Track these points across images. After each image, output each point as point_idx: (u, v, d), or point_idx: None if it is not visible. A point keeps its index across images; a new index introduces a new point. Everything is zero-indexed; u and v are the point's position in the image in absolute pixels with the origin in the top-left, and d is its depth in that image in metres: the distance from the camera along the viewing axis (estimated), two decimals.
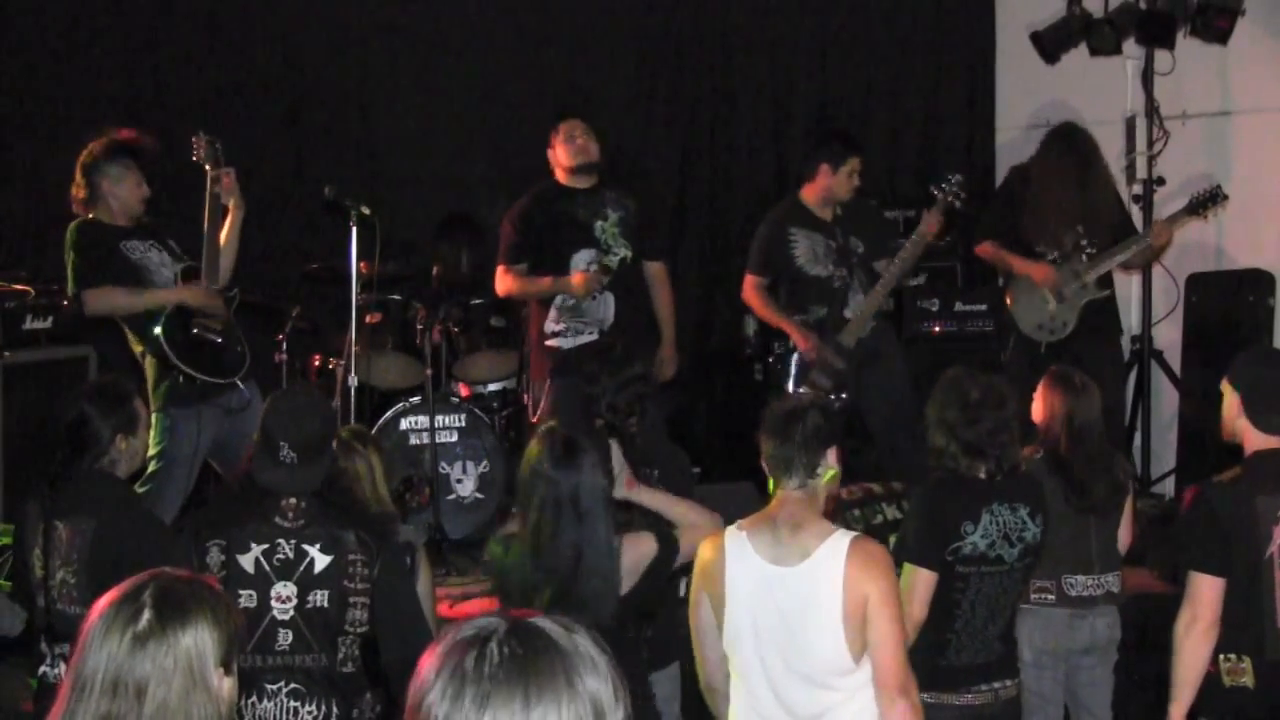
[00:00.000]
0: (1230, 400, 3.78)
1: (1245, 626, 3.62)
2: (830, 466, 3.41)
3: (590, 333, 5.90)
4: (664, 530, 3.72)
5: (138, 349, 5.48)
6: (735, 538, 3.42)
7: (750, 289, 6.26)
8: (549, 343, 5.93)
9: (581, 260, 5.91)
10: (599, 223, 5.96)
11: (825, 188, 6.18)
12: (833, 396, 6.01)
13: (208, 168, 5.52)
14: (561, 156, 5.99)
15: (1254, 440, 3.71)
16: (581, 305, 5.92)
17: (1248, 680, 3.63)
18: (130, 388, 4.15)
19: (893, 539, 4.39)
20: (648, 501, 3.79)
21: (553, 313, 5.93)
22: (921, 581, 3.80)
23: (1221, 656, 3.65)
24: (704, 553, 3.48)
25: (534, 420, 5.89)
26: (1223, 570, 3.62)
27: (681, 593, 4.91)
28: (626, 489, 3.73)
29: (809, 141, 8.14)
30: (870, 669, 3.31)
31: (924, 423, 4.02)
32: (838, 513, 3.65)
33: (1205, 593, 3.62)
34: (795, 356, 6.11)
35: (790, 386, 6.10)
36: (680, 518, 3.78)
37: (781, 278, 6.23)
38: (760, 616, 3.36)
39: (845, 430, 5.63)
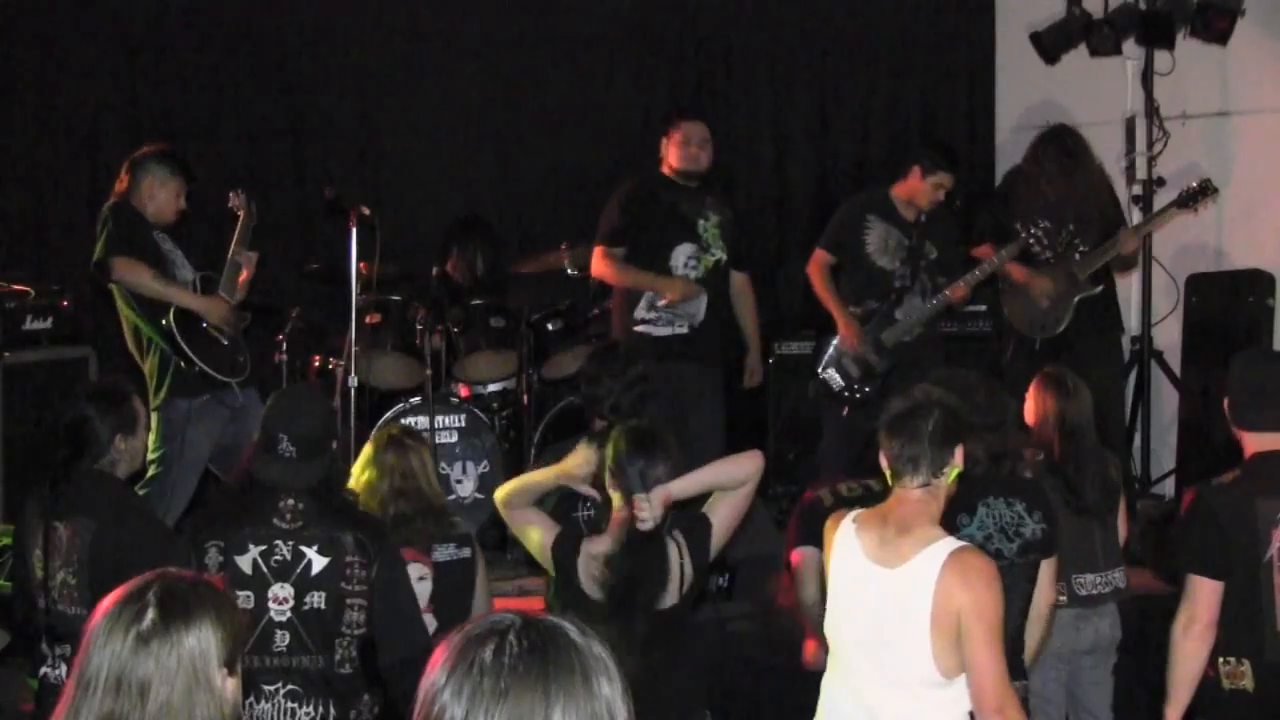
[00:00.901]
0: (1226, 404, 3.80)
1: (1244, 629, 3.62)
2: (956, 465, 3.34)
3: (680, 325, 6.03)
4: (689, 519, 3.68)
5: (138, 348, 5.48)
6: (847, 528, 3.38)
7: (815, 264, 6.31)
8: (638, 329, 6.01)
9: (681, 254, 6.05)
10: (701, 221, 6.11)
11: (911, 189, 6.23)
12: (856, 387, 6.11)
13: (241, 214, 5.67)
14: (678, 159, 6.09)
15: (1253, 442, 3.71)
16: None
17: (1247, 683, 3.62)
18: (129, 388, 4.15)
19: None
20: (691, 490, 3.66)
21: (645, 299, 6.02)
22: None
23: (1221, 659, 3.64)
24: (827, 530, 3.45)
25: None
26: (1221, 573, 3.62)
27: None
28: (663, 502, 3.58)
29: (809, 142, 8.19)
30: (965, 686, 3.21)
31: None
32: (834, 509, 3.61)
33: (1203, 595, 3.62)
34: (835, 340, 6.20)
35: (820, 368, 6.23)
36: (721, 483, 3.72)
37: (846, 262, 6.27)
38: (853, 611, 3.33)
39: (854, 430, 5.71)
